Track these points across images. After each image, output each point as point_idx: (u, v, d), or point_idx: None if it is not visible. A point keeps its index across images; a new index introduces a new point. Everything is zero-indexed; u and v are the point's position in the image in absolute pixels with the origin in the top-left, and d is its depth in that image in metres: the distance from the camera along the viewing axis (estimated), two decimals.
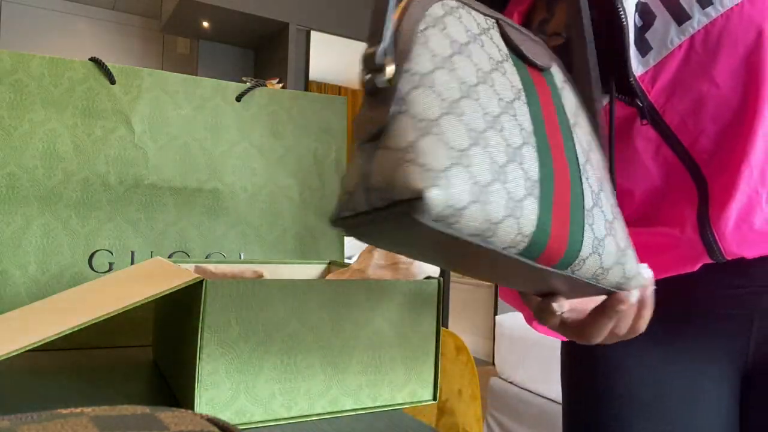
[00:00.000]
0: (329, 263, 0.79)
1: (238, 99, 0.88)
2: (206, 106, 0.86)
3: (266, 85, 0.90)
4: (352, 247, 3.06)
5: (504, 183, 0.32)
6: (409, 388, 0.60)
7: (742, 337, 0.58)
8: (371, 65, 0.32)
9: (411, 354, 0.60)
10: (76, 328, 0.46)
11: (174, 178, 0.83)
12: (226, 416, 0.50)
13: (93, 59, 0.79)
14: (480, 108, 0.33)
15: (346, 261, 0.77)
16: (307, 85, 3.03)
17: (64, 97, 0.77)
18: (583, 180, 0.38)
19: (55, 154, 0.76)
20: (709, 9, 0.51)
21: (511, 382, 2.45)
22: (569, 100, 0.41)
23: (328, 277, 0.67)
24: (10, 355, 0.44)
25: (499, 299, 4.06)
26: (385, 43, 0.32)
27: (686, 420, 0.61)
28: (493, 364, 4.02)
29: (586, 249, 0.37)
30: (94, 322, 0.47)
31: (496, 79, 0.35)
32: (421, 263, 0.63)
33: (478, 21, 0.37)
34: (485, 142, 0.32)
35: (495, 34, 0.38)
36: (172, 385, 0.59)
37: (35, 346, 0.45)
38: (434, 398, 0.62)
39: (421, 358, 0.61)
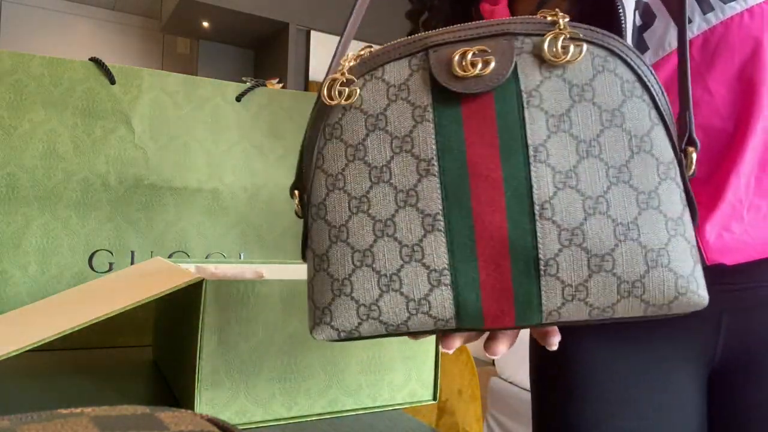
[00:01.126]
0: None
1: (238, 99, 0.88)
2: (206, 106, 0.86)
3: (266, 85, 0.90)
4: None
5: (398, 289, 0.34)
6: (409, 388, 0.60)
7: (711, 336, 0.58)
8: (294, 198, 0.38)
9: (411, 354, 0.60)
10: (76, 328, 0.46)
11: (174, 178, 0.83)
12: (226, 416, 0.50)
13: (93, 59, 0.79)
14: (369, 220, 0.34)
15: None
16: (307, 85, 3.03)
17: (64, 97, 0.77)
18: (538, 222, 0.33)
19: (55, 154, 0.76)
20: (710, 15, 0.51)
21: (511, 382, 2.45)
22: (548, 100, 0.34)
23: None
24: (10, 355, 0.44)
25: None
26: (294, 179, 0.37)
27: (656, 418, 0.60)
28: (493, 364, 4.02)
29: (551, 300, 0.34)
30: (94, 322, 0.47)
31: (393, 169, 0.34)
32: None
33: (388, 81, 0.36)
34: (371, 259, 0.34)
35: (417, 79, 0.35)
36: (172, 385, 0.59)
37: (35, 346, 0.45)
38: (434, 398, 0.62)
39: (421, 358, 0.61)
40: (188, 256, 0.84)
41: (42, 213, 0.76)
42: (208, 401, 0.50)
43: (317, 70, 3.07)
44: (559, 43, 0.34)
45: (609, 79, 0.34)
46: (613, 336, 0.58)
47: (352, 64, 0.37)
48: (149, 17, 3.84)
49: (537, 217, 0.33)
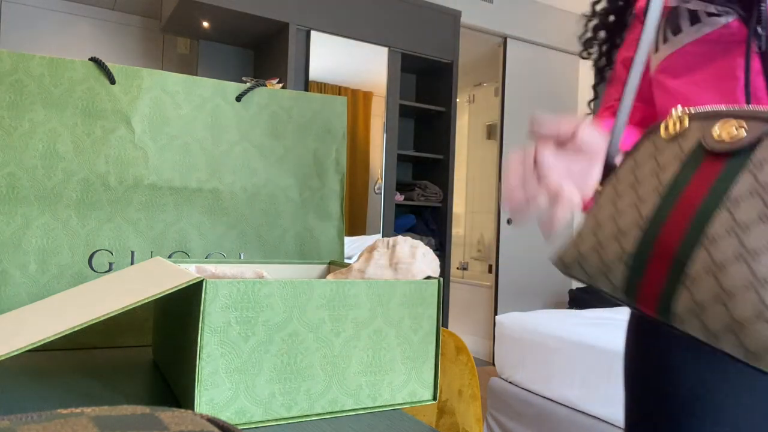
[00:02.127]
0: (329, 263, 0.79)
1: (238, 99, 0.88)
2: (206, 106, 0.86)
3: (266, 85, 0.90)
4: (353, 247, 3.06)
5: (600, 252, 0.51)
6: (409, 388, 0.60)
7: None
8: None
9: (411, 354, 0.60)
10: (76, 328, 0.46)
11: (174, 178, 0.83)
12: (226, 416, 0.50)
13: (93, 59, 0.79)
14: (613, 207, 0.52)
15: (346, 261, 0.77)
16: (307, 85, 3.02)
17: (64, 97, 0.77)
18: (696, 251, 0.44)
19: (55, 154, 0.76)
20: None
21: (511, 382, 2.45)
22: (754, 179, 0.43)
23: (328, 277, 0.67)
24: (10, 355, 0.44)
25: (499, 299, 4.06)
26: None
27: (740, 423, 0.63)
28: (493, 364, 4.02)
29: (679, 306, 0.45)
30: (94, 322, 0.47)
31: (645, 182, 0.50)
32: (421, 263, 0.63)
33: (678, 132, 0.50)
34: (600, 227, 0.52)
35: (693, 137, 0.48)
36: (172, 385, 0.59)
37: (35, 346, 0.45)
38: (434, 398, 0.62)
39: (421, 358, 0.61)
40: (188, 256, 0.84)
41: (42, 213, 0.75)
42: (208, 401, 0.50)
43: (317, 70, 3.07)
44: None
45: None
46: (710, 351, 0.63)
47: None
48: (149, 17, 3.83)
49: (700, 244, 0.43)
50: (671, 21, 0.70)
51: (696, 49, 0.67)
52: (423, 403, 0.61)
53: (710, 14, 0.65)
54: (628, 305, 0.49)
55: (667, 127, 0.51)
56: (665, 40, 0.70)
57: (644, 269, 0.46)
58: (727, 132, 0.45)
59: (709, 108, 0.48)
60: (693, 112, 0.49)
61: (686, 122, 0.49)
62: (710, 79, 0.66)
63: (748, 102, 0.59)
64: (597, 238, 0.51)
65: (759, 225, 0.41)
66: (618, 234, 0.49)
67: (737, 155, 0.44)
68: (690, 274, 0.43)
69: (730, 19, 0.63)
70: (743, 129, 0.45)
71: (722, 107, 0.48)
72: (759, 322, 0.40)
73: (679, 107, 0.51)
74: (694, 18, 0.66)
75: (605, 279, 0.49)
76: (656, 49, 0.73)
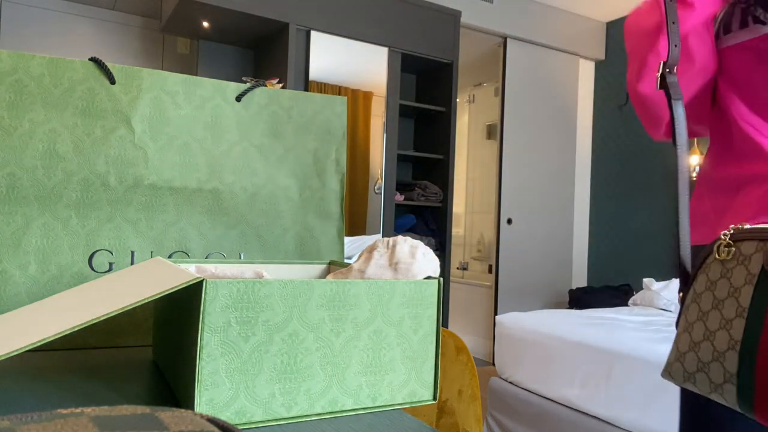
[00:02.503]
0: (329, 263, 0.79)
1: (238, 99, 0.88)
2: (206, 106, 0.86)
3: (266, 85, 0.90)
4: (353, 247, 3.06)
5: (707, 373, 0.55)
6: (409, 388, 0.60)
7: None
8: None
9: (411, 354, 0.60)
10: (76, 328, 0.46)
11: (174, 178, 0.83)
12: (226, 416, 0.50)
13: (93, 59, 0.79)
14: (704, 327, 0.56)
15: (346, 261, 0.77)
16: (307, 85, 3.02)
17: (64, 97, 0.77)
18: None
19: (55, 154, 0.76)
20: None
21: (511, 382, 2.45)
22: None
23: (328, 277, 0.67)
24: (10, 355, 0.44)
25: (499, 299, 4.06)
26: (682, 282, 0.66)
27: None
28: (493, 364, 4.02)
29: None
30: (94, 322, 0.47)
31: (725, 304, 0.54)
32: (422, 263, 0.63)
33: (740, 251, 0.55)
34: (699, 348, 0.56)
35: (756, 259, 0.53)
36: (172, 385, 0.59)
37: (35, 346, 0.45)
38: (434, 398, 0.62)
39: (421, 358, 0.61)
40: (188, 256, 0.84)
41: (42, 213, 0.76)
42: (208, 401, 0.50)
43: (317, 70, 3.07)
44: None
45: None
46: None
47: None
48: (149, 17, 3.83)
49: None
50: (725, 19, 0.72)
51: (739, 53, 0.70)
52: (423, 403, 0.61)
53: (756, 20, 0.67)
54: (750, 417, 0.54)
55: (718, 248, 0.57)
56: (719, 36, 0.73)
57: (753, 388, 0.51)
58: None
59: (755, 227, 0.53)
60: (738, 232, 0.55)
61: (733, 249, 0.56)
62: (753, 86, 0.69)
63: None
64: (699, 359, 0.56)
65: None
66: (718, 356, 0.54)
67: None
68: None
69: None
70: None
71: None
72: None
73: (722, 235, 0.56)
74: (744, 21, 0.69)
75: (719, 396, 0.54)
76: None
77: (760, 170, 0.68)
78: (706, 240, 0.74)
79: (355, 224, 3.23)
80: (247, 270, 0.69)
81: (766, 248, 0.51)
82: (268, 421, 0.52)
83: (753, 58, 0.69)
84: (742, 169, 0.70)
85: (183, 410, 0.23)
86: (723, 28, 0.73)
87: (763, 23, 0.66)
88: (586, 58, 4.54)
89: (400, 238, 0.65)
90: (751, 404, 0.51)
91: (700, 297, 0.57)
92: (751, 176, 0.69)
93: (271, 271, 0.74)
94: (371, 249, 0.66)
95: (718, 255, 0.56)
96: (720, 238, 0.56)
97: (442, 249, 3.50)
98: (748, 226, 0.54)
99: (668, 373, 0.61)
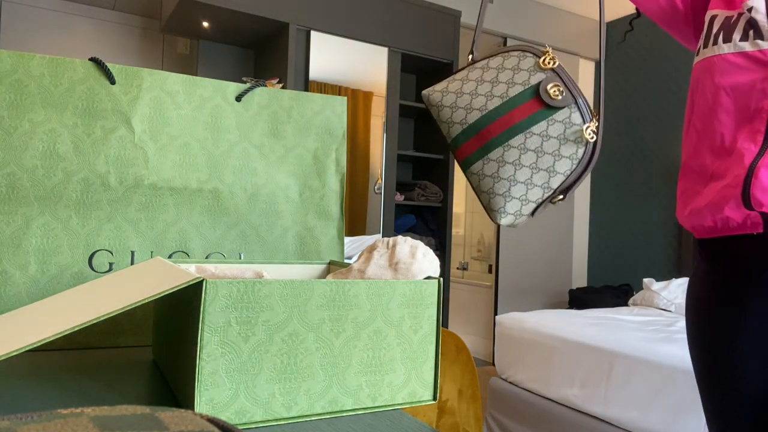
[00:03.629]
0: (329, 263, 0.79)
1: (238, 99, 0.88)
2: (206, 106, 0.86)
3: (266, 85, 0.90)
4: (353, 247, 3.06)
5: (452, 109, 0.78)
6: (409, 388, 0.60)
7: None
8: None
9: (411, 354, 0.60)
10: (76, 328, 0.46)
11: (174, 178, 0.83)
12: (226, 416, 0.50)
13: (93, 59, 0.79)
14: (474, 86, 0.78)
15: (346, 261, 0.77)
16: (307, 85, 3.02)
17: (64, 97, 0.77)
18: (498, 148, 0.74)
19: (55, 154, 0.76)
20: None
21: (511, 382, 2.45)
22: (552, 130, 0.73)
23: (328, 277, 0.67)
24: (10, 355, 0.44)
25: (499, 299, 4.06)
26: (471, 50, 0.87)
27: None
28: (493, 364, 4.02)
29: (475, 167, 0.75)
30: (94, 322, 0.47)
31: (498, 85, 0.75)
32: (422, 263, 0.64)
33: (528, 65, 0.76)
34: (460, 95, 0.78)
35: (535, 77, 0.75)
36: (172, 385, 0.59)
37: (35, 346, 0.45)
38: (434, 398, 0.62)
39: (421, 358, 0.61)
40: (188, 256, 0.84)
41: (42, 213, 0.76)
42: (208, 401, 0.50)
43: (317, 70, 3.07)
44: (578, 122, 0.75)
45: (572, 146, 0.76)
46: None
47: (544, 48, 0.79)
48: (149, 17, 3.83)
49: (502, 146, 0.77)
50: (726, 25, 0.80)
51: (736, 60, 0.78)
52: (423, 403, 0.61)
53: (758, 35, 0.76)
54: (450, 149, 0.78)
55: (542, 59, 0.76)
56: (713, 43, 0.80)
57: (469, 138, 0.75)
58: (554, 91, 0.73)
59: (561, 67, 0.74)
60: (556, 65, 0.75)
61: (550, 66, 0.75)
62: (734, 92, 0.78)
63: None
64: (455, 102, 0.77)
65: (532, 153, 0.72)
66: (468, 109, 0.76)
67: (548, 108, 0.72)
68: (489, 156, 0.74)
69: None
70: (560, 96, 0.72)
71: (566, 78, 0.74)
72: (499, 198, 0.73)
73: (551, 50, 0.75)
74: (745, 34, 0.77)
75: (446, 126, 0.78)
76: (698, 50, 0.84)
77: (726, 168, 0.77)
78: (677, 215, 0.88)
79: (355, 224, 3.23)
80: (247, 270, 0.69)
81: (549, 76, 0.74)
82: (268, 421, 0.52)
83: (746, 68, 0.76)
84: (714, 164, 0.79)
85: (183, 410, 0.23)
86: (723, 35, 0.78)
87: (762, 38, 0.74)
88: (586, 58, 4.54)
89: (400, 238, 0.65)
90: (458, 145, 0.76)
91: (487, 69, 0.77)
92: (719, 172, 0.77)
93: (271, 271, 0.74)
94: (371, 249, 0.66)
95: (544, 63, 0.75)
96: (548, 52, 0.75)
97: (442, 249, 3.50)
98: (558, 63, 0.76)
99: (428, 96, 0.81)
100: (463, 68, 0.82)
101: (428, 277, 0.63)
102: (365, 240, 3.19)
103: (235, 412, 0.51)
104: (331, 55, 3.15)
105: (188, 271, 0.52)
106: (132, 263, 0.80)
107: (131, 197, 0.80)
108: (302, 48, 3.03)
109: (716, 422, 0.84)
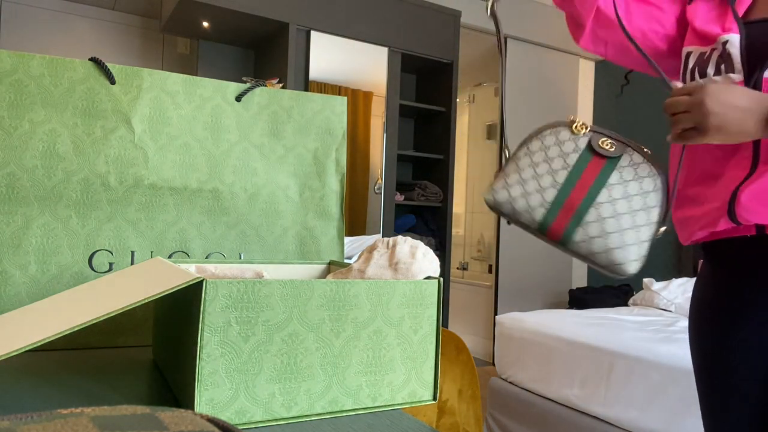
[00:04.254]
0: (329, 263, 0.79)
1: (238, 99, 0.88)
2: (206, 106, 0.86)
3: (266, 85, 0.90)
4: (353, 247, 3.06)
5: (527, 198, 0.82)
6: (409, 388, 0.60)
7: None
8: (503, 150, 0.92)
9: (411, 354, 0.60)
10: (76, 328, 0.46)
11: (174, 178, 0.83)
12: (226, 416, 0.50)
13: (93, 59, 0.79)
14: (533, 171, 0.82)
15: (346, 261, 0.77)
16: (307, 85, 3.02)
17: (64, 97, 0.77)
18: (591, 209, 0.79)
19: (55, 154, 0.76)
20: None
21: (511, 382, 2.45)
22: (625, 174, 0.80)
23: (328, 277, 0.67)
24: (10, 355, 0.44)
25: (499, 299, 4.06)
26: (506, 143, 0.92)
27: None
28: (493, 364, 4.02)
29: (577, 237, 0.79)
30: (94, 322, 0.47)
31: (555, 161, 0.82)
32: (422, 263, 0.64)
33: (573, 132, 0.84)
34: (525, 183, 0.82)
35: (583, 140, 0.83)
36: (172, 385, 0.59)
37: (35, 346, 0.45)
38: (434, 398, 0.62)
39: (421, 358, 0.61)
40: (188, 256, 0.84)
41: (42, 213, 0.76)
42: (208, 401, 0.50)
43: (317, 70, 3.07)
44: (641, 159, 0.81)
45: (649, 181, 0.80)
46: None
47: (569, 118, 0.86)
48: (149, 17, 3.83)
49: (592, 206, 0.79)
50: (699, 63, 0.87)
51: None
52: (423, 403, 0.61)
53: (729, 70, 0.83)
54: (537, 235, 0.82)
55: (574, 126, 0.83)
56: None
57: (556, 215, 0.80)
58: (607, 145, 0.81)
59: (594, 126, 0.82)
60: (588, 128, 0.83)
61: (584, 131, 0.83)
62: None
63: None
64: (524, 189, 0.81)
65: (622, 200, 0.78)
66: (540, 190, 0.80)
67: (611, 159, 0.80)
68: (586, 220, 0.79)
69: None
70: (614, 146, 0.81)
71: (606, 131, 0.83)
72: (620, 249, 0.77)
73: (574, 117, 0.83)
74: (717, 70, 0.84)
75: (528, 216, 0.81)
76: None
77: (715, 193, 0.84)
78: (682, 241, 0.94)
79: (355, 224, 3.23)
80: (247, 270, 0.69)
81: (591, 138, 0.81)
82: (268, 421, 0.52)
83: None
84: (706, 191, 0.86)
85: (183, 410, 0.23)
86: (699, 70, 0.85)
87: (734, 72, 0.80)
88: (586, 58, 4.54)
89: (400, 238, 0.65)
90: (547, 226, 0.80)
91: (531, 152, 0.82)
92: (710, 197, 0.84)
93: (271, 271, 0.74)
94: (371, 249, 0.65)
95: (573, 127, 0.83)
96: (575, 120, 0.83)
97: (442, 249, 3.50)
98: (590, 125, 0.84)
99: (493, 197, 0.84)
100: (506, 164, 0.85)
101: (428, 277, 0.63)
102: (365, 240, 3.19)
103: (235, 412, 0.51)
104: (331, 55, 3.15)
105: (188, 271, 0.52)
106: (132, 263, 0.80)
107: (131, 197, 0.80)
108: (302, 48, 3.03)
109: (714, 424, 0.85)
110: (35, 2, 3.55)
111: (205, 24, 3.10)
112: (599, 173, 0.79)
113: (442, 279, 0.62)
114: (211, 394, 0.50)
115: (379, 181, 3.28)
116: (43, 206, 0.76)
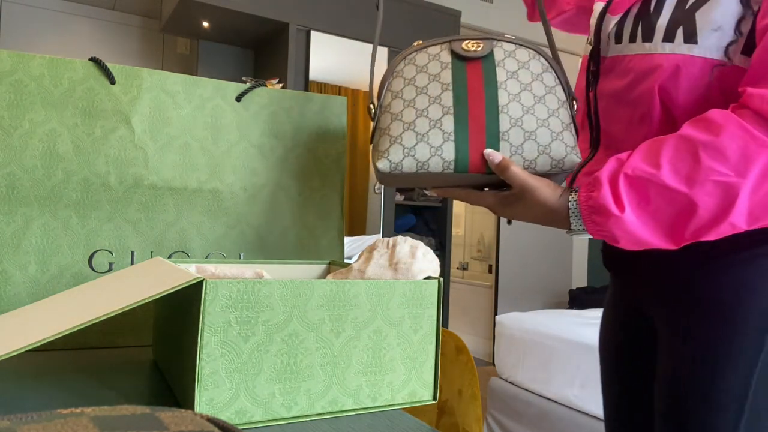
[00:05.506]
0: (329, 263, 0.79)
1: (238, 99, 0.88)
2: (206, 106, 0.86)
3: (266, 85, 0.90)
4: (353, 247, 3.06)
5: (426, 141, 0.66)
6: (409, 388, 0.60)
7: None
8: (369, 109, 0.75)
9: (411, 354, 0.60)
10: (76, 328, 0.46)
11: (174, 178, 0.83)
12: (226, 416, 0.50)
13: (93, 59, 0.79)
14: (414, 110, 0.68)
15: (346, 261, 0.77)
16: (307, 85, 3.02)
17: (64, 97, 0.77)
18: (500, 115, 0.67)
19: (55, 154, 0.76)
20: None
21: (511, 382, 2.45)
22: (508, 66, 0.70)
23: (328, 277, 0.67)
24: (10, 355, 0.44)
25: (499, 299, 4.06)
26: (372, 98, 0.74)
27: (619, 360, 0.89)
28: (493, 364, 4.02)
29: (504, 154, 0.66)
30: (94, 322, 0.47)
31: (430, 87, 0.69)
32: (422, 263, 0.64)
33: (430, 53, 0.72)
34: (413, 126, 0.67)
35: (445, 53, 0.72)
36: (172, 385, 0.59)
37: (35, 346, 0.45)
38: (434, 398, 0.62)
39: (421, 358, 0.61)
40: (188, 256, 0.84)
41: (42, 213, 0.76)
42: (208, 401, 0.50)
43: (317, 70, 3.07)
44: (514, 47, 0.72)
45: (535, 63, 0.71)
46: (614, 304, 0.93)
47: (414, 44, 0.74)
48: (149, 17, 3.83)
49: (499, 113, 0.67)
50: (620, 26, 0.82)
51: None
52: (423, 403, 0.61)
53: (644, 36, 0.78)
54: (460, 172, 0.67)
55: (428, 53, 0.73)
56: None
57: (468, 139, 0.66)
58: (471, 46, 0.71)
59: (443, 37, 0.74)
60: (437, 41, 0.73)
61: (439, 50, 0.72)
62: None
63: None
64: (417, 132, 0.67)
65: (525, 92, 0.68)
66: (435, 123, 0.67)
67: (485, 58, 0.70)
68: (502, 129, 0.66)
69: None
70: (481, 44, 0.71)
71: (453, 36, 0.73)
72: (555, 142, 0.66)
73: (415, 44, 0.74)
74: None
75: (438, 159, 0.66)
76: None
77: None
78: None
79: (355, 224, 3.23)
80: (247, 270, 0.69)
81: (450, 46, 0.71)
82: (268, 421, 0.52)
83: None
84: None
85: (183, 410, 0.23)
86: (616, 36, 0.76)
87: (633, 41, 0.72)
88: None
89: (400, 238, 0.65)
90: (466, 156, 0.66)
91: (401, 92, 0.70)
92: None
93: (271, 271, 0.74)
94: (371, 249, 0.65)
95: (427, 51, 0.73)
96: (415, 46, 0.74)
97: (442, 249, 3.50)
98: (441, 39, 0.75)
99: (387, 161, 0.67)
100: (379, 120, 0.72)
101: (428, 277, 0.63)
102: (365, 240, 3.19)
103: (235, 412, 0.51)
104: (331, 55, 3.15)
105: (188, 271, 0.52)
106: (132, 263, 0.80)
107: (131, 197, 0.80)
108: (302, 48, 3.03)
109: (611, 417, 0.92)
110: (35, 2, 3.55)
111: (205, 24, 3.10)
112: (483, 77, 0.68)
113: (442, 279, 0.62)
114: (211, 394, 0.50)
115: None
116: (43, 206, 0.76)
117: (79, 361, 0.70)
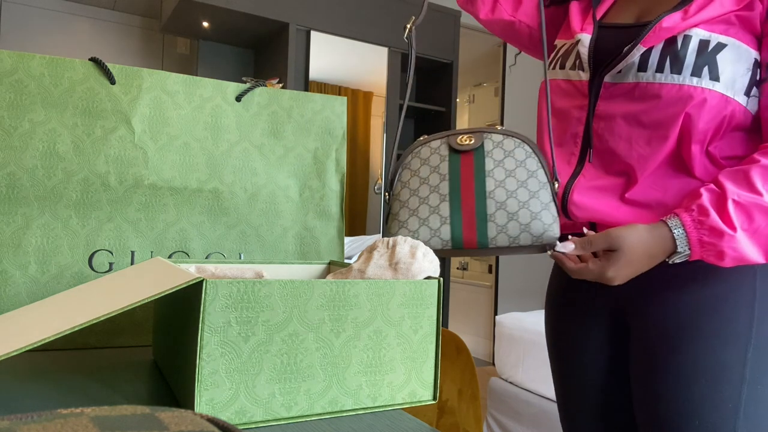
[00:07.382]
0: (329, 263, 0.79)
1: (238, 99, 0.88)
2: (206, 106, 0.86)
3: (266, 85, 0.90)
4: (353, 247, 3.06)
5: (427, 224, 0.78)
6: (409, 388, 0.60)
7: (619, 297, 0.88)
8: (385, 196, 0.86)
9: (411, 354, 0.60)
10: (76, 328, 0.46)
11: (174, 178, 0.83)
12: (226, 416, 0.50)
13: (93, 59, 0.79)
14: (417, 198, 0.80)
15: (346, 261, 0.77)
16: (307, 85, 3.02)
17: (64, 97, 0.77)
18: (487, 200, 0.77)
19: (55, 154, 0.76)
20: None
21: (511, 382, 2.45)
22: (496, 155, 0.80)
23: (328, 277, 0.67)
24: (10, 355, 0.44)
25: (499, 299, 4.06)
26: (386, 187, 0.86)
27: (576, 359, 0.94)
28: (493, 364, 4.02)
29: (492, 233, 0.76)
30: (94, 322, 0.47)
31: (431, 178, 0.80)
32: (422, 263, 0.64)
33: (432, 147, 0.83)
34: (417, 212, 0.79)
35: (443, 147, 0.82)
36: (172, 385, 0.59)
37: (35, 346, 0.45)
38: (434, 398, 0.62)
39: (421, 358, 0.61)
40: (188, 256, 0.84)
41: (42, 213, 0.76)
42: (208, 401, 0.50)
43: (317, 70, 3.07)
44: (501, 137, 0.81)
45: (520, 150, 0.80)
46: (563, 304, 0.98)
47: (420, 138, 0.86)
48: (149, 17, 3.83)
49: (487, 198, 0.77)
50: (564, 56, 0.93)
51: None
52: (423, 403, 0.61)
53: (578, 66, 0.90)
54: (456, 249, 0.78)
55: (428, 143, 0.84)
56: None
57: (461, 222, 0.77)
58: (464, 140, 0.81)
59: (444, 132, 0.84)
60: (438, 137, 0.84)
61: (438, 141, 0.83)
62: None
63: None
64: (419, 218, 0.79)
65: (509, 178, 0.77)
66: (434, 209, 0.78)
67: (476, 151, 0.80)
68: (489, 212, 0.76)
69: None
70: (472, 138, 0.81)
71: (452, 131, 0.83)
72: (534, 221, 0.75)
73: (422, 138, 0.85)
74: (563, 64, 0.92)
75: (437, 239, 0.77)
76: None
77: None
78: None
79: (355, 224, 3.23)
80: (247, 270, 0.69)
81: (447, 141, 0.82)
82: (268, 421, 0.52)
83: (569, 94, 0.89)
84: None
85: (183, 410, 0.23)
86: (561, 62, 0.89)
87: (583, 70, 0.85)
88: None
89: (400, 238, 0.65)
90: (460, 237, 0.76)
91: (408, 182, 0.81)
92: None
93: (271, 271, 0.74)
94: (371, 249, 0.65)
95: (430, 147, 0.83)
96: (424, 137, 0.84)
97: None
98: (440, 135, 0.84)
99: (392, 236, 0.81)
100: (391, 206, 0.84)
101: (428, 277, 0.63)
102: (365, 240, 3.19)
103: (235, 412, 0.51)
104: (331, 55, 3.15)
105: (188, 271, 0.52)
106: (132, 263, 0.80)
107: (131, 197, 0.80)
108: (302, 48, 3.03)
109: (565, 406, 0.97)
110: (35, 2, 3.55)
111: (205, 24, 3.10)
112: (474, 167, 0.79)
113: (442, 279, 0.62)
114: (211, 394, 0.50)
115: (379, 181, 3.28)
116: (43, 206, 0.76)
117: (79, 361, 0.70)
